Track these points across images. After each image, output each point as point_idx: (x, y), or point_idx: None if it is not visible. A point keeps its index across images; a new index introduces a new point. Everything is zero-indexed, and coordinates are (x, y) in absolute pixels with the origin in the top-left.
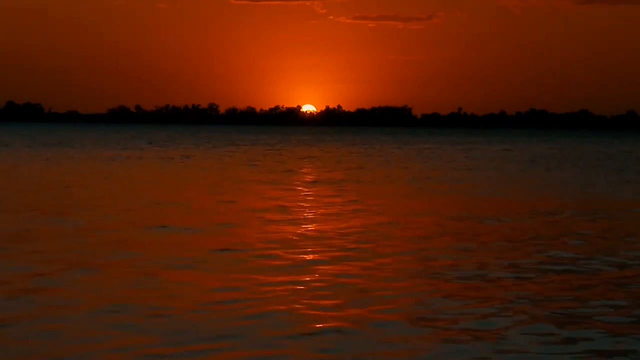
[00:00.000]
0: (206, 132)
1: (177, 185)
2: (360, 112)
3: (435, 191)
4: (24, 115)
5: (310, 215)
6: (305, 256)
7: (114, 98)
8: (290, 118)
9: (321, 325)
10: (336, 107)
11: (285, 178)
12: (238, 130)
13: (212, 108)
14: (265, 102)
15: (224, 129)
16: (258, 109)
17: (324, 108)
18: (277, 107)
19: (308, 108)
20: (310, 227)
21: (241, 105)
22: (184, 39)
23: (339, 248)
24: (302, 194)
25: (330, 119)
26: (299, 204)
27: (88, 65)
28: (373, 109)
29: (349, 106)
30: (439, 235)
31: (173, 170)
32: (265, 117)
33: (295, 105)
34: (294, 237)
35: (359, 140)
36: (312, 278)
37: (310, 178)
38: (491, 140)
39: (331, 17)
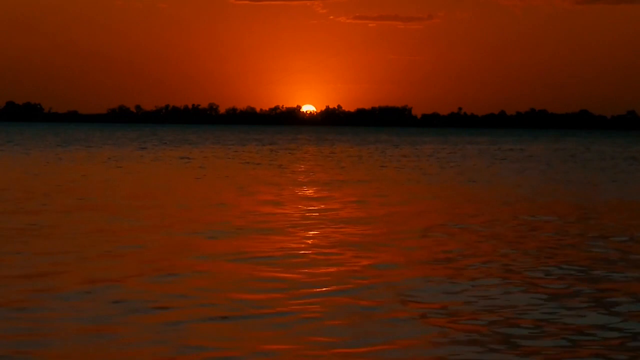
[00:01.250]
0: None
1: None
2: (360, 112)
3: None
4: (24, 115)
5: None
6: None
7: (114, 98)
8: (290, 118)
9: None
10: (336, 107)
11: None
12: (280, 131)
13: (212, 108)
14: (265, 102)
15: (228, 129)
16: (258, 109)
17: (324, 108)
18: (277, 107)
19: (308, 108)
20: None
21: (241, 105)
22: (184, 39)
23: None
24: None
25: (330, 119)
26: None
27: (88, 65)
28: (373, 109)
29: (349, 106)
30: None
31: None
32: (265, 117)
33: (295, 105)
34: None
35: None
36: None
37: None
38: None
39: (331, 17)
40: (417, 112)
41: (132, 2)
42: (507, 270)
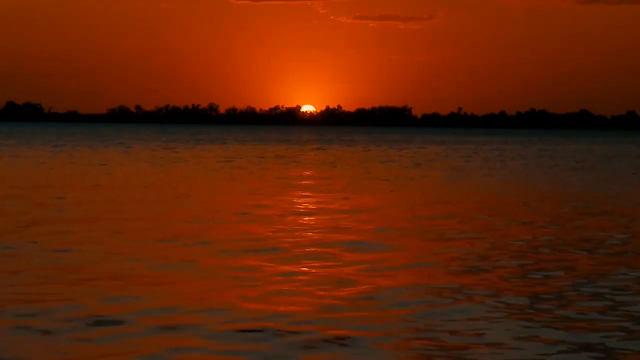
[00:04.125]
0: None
1: None
2: (360, 112)
3: None
4: (24, 115)
5: None
6: None
7: (114, 98)
8: (290, 118)
9: None
10: (336, 107)
11: None
12: (283, 130)
13: (212, 108)
14: (265, 102)
15: (229, 129)
16: (258, 109)
17: (324, 108)
18: (277, 107)
19: (308, 108)
20: None
21: (241, 105)
22: (185, 39)
23: None
24: None
25: (330, 119)
26: None
27: (88, 65)
28: (373, 109)
29: (349, 106)
30: None
31: None
32: (265, 117)
33: (295, 105)
34: None
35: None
36: None
37: None
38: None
39: (332, 17)
40: (417, 112)
41: (133, 1)
42: None
